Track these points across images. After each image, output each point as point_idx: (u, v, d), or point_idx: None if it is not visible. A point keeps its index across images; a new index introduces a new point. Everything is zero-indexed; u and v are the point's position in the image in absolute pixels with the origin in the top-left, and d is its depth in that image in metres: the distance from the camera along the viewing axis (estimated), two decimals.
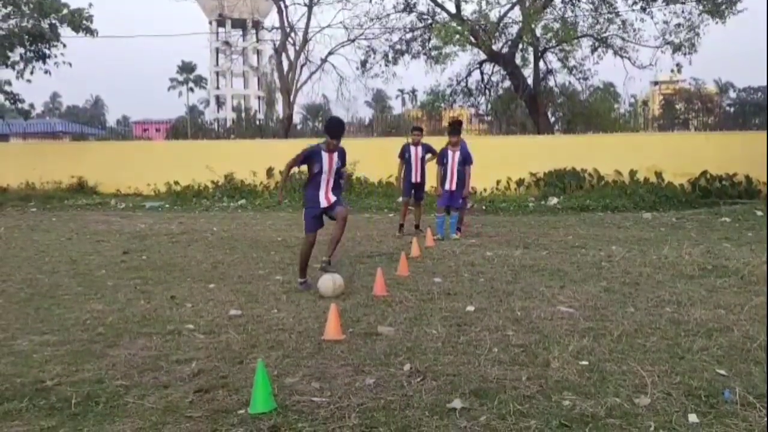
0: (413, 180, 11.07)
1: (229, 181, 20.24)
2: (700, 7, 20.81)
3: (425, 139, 11.65)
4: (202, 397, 3.69)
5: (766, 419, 3.24)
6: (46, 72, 22.22)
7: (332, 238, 6.88)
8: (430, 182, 11.17)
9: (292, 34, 24.55)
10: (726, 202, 15.90)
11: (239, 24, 50.85)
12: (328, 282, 6.35)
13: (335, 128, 6.71)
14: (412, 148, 11.07)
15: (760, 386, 3.68)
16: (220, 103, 73.53)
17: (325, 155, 6.69)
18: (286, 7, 24.08)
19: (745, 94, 46.12)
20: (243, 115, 43.91)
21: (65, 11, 21.47)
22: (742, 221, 12.74)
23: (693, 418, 3.29)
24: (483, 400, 3.57)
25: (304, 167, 6.88)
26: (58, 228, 13.15)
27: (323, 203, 6.73)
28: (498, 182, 18.52)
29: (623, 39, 22.68)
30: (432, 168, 10.95)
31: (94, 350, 4.65)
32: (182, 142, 25.07)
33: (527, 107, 23.66)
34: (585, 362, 4.16)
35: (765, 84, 39.36)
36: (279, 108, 30.24)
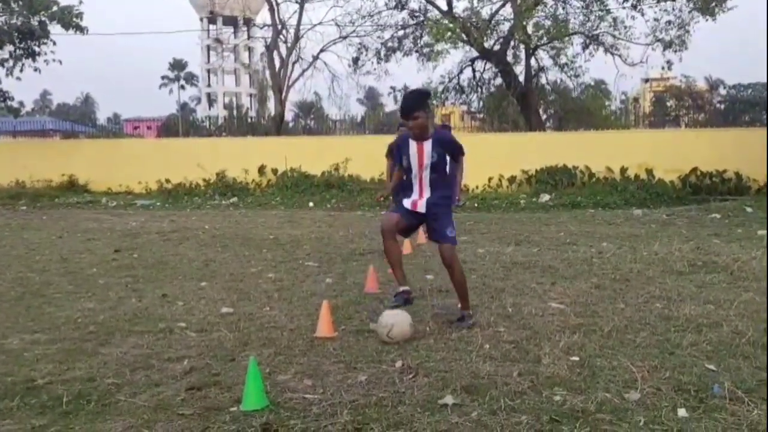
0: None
1: (221, 179, 20.18)
2: (690, 5, 20.93)
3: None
4: (194, 395, 3.69)
5: (766, 418, 3.25)
6: (35, 70, 22.10)
7: (454, 287, 5.22)
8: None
9: (284, 32, 24.54)
10: (716, 198, 16.02)
11: (230, 21, 50.71)
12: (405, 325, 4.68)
13: (405, 103, 4.92)
14: None
15: (749, 381, 3.71)
16: (211, 100, 73.33)
17: (412, 144, 4.95)
18: (277, 4, 24.08)
19: (735, 91, 46.30)
20: (234, 112, 43.74)
21: (55, 8, 21.34)
22: (732, 218, 12.83)
23: (682, 412, 3.31)
24: (474, 396, 3.58)
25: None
26: (48, 226, 13.08)
27: (409, 208, 5.12)
28: (490, 179, 18.56)
29: (614, 36, 22.82)
30: None
31: (86, 349, 4.63)
32: (173, 139, 25.00)
33: (519, 104, 23.72)
34: (575, 358, 4.18)
35: (755, 81, 39.55)
36: (271, 105, 30.17)
